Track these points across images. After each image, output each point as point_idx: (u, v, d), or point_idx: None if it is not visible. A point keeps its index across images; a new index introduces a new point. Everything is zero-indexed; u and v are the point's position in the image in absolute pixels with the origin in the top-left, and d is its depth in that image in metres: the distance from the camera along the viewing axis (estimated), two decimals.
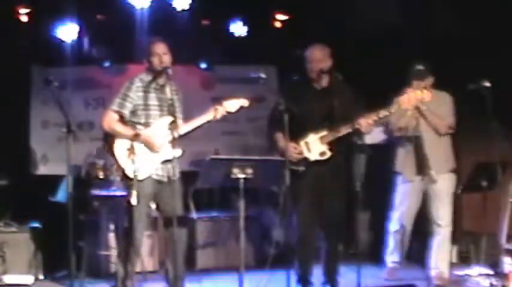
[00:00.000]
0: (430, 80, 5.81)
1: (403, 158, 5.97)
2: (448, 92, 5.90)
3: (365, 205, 7.30)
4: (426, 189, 5.90)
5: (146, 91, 5.11)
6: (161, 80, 5.15)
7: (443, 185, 5.86)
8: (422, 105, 5.54)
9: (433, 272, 5.83)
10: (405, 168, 5.95)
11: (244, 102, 5.26)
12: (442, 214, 5.85)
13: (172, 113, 5.04)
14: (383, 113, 5.26)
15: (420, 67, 5.75)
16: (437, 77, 5.87)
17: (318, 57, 5.38)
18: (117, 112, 5.09)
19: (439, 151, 5.86)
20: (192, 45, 7.87)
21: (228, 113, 5.20)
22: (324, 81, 5.42)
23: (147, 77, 5.15)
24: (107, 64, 7.84)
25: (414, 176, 5.90)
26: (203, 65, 8.18)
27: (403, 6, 6.98)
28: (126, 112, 5.08)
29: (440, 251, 5.85)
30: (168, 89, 5.16)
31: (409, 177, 5.94)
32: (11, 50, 7.23)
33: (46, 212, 6.55)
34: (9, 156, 7.09)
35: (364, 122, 5.18)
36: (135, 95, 5.08)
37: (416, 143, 5.89)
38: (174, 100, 5.09)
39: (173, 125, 5.00)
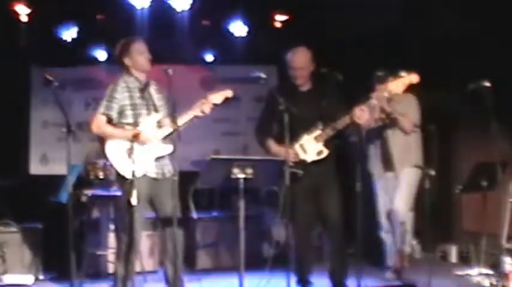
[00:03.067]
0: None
1: (373, 158, 6.07)
2: (413, 95, 5.93)
3: (366, 205, 7.35)
4: (392, 186, 6.00)
5: (131, 91, 5.11)
6: (144, 79, 5.15)
7: (405, 177, 5.95)
8: (380, 103, 5.56)
9: (401, 256, 5.99)
10: (374, 166, 6.07)
11: (229, 93, 5.24)
12: (397, 198, 5.92)
13: (158, 111, 5.10)
14: (373, 101, 5.29)
15: (381, 73, 5.78)
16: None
17: (301, 65, 5.38)
18: (105, 114, 5.06)
19: (405, 149, 5.95)
20: (192, 45, 7.88)
21: (215, 105, 5.18)
22: (309, 83, 5.43)
23: (130, 77, 5.14)
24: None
25: (383, 173, 6.02)
26: (209, 58, 8.15)
27: (403, 6, 6.98)
28: (114, 114, 5.06)
29: (400, 234, 5.97)
30: (152, 88, 5.17)
31: (378, 175, 6.06)
32: (11, 50, 7.24)
33: (46, 212, 6.56)
34: (9, 156, 7.10)
35: (358, 111, 5.19)
36: (121, 95, 5.06)
37: (383, 144, 6.01)
38: (159, 98, 5.14)
39: (161, 122, 5.03)
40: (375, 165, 6.11)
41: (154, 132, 5.10)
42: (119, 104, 5.06)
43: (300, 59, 5.39)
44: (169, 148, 5.02)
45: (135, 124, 5.08)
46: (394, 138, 5.99)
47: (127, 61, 5.14)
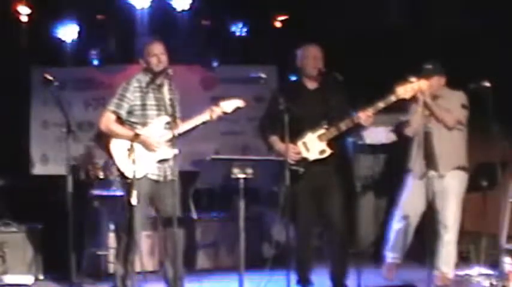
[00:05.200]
0: (441, 80, 5.76)
1: (415, 155, 5.91)
2: (462, 92, 5.83)
3: (368, 205, 7.35)
4: (433, 187, 5.80)
5: (143, 91, 5.11)
6: (159, 80, 5.15)
7: (450, 183, 5.74)
8: (422, 96, 5.48)
9: (436, 273, 5.80)
10: (416, 165, 5.87)
11: (240, 103, 5.26)
12: (447, 214, 5.73)
13: (169, 112, 5.06)
14: (381, 104, 5.26)
15: (428, 66, 5.68)
16: None
17: (318, 55, 5.41)
18: (114, 112, 5.09)
19: (448, 147, 5.72)
20: (192, 45, 7.88)
21: (224, 113, 5.20)
22: (317, 81, 5.44)
23: (145, 78, 5.15)
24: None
25: (423, 172, 5.82)
26: (209, 58, 8.18)
27: (403, 6, 6.99)
28: (123, 112, 5.09)
29: (444, 252, 5.80)
30: (165, 89, 5.17)
31: (419, 173, 5.79)
32: (11, 50, 7.24)
33: (46, 212, 6.56)
34: (9, 156, 7.10)
35: (364, 115, 5.19)
36: (132, 95, 5.09)
37: (426, 138, 5.82)
38: (172, 100, 5.11)
39: (170, 124, 5.01)
40: (416, 163, 5.79)
41: (160, 135, 5.09)
42: (130, 103, 5.09)
43: (314, 49, 5.43)
44: (173, 152, 4.99)
45: (143, 124, 5.09)
46: (439, 135, 5.66)
47: (141, 62, 5.18)
